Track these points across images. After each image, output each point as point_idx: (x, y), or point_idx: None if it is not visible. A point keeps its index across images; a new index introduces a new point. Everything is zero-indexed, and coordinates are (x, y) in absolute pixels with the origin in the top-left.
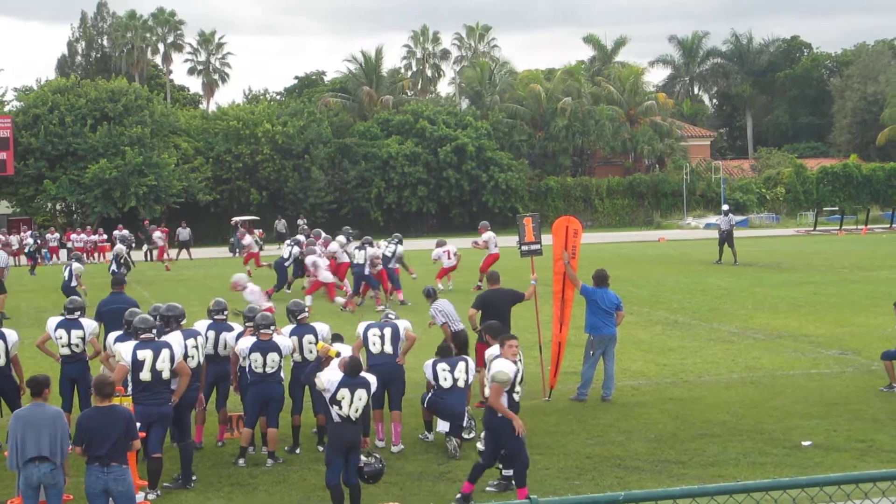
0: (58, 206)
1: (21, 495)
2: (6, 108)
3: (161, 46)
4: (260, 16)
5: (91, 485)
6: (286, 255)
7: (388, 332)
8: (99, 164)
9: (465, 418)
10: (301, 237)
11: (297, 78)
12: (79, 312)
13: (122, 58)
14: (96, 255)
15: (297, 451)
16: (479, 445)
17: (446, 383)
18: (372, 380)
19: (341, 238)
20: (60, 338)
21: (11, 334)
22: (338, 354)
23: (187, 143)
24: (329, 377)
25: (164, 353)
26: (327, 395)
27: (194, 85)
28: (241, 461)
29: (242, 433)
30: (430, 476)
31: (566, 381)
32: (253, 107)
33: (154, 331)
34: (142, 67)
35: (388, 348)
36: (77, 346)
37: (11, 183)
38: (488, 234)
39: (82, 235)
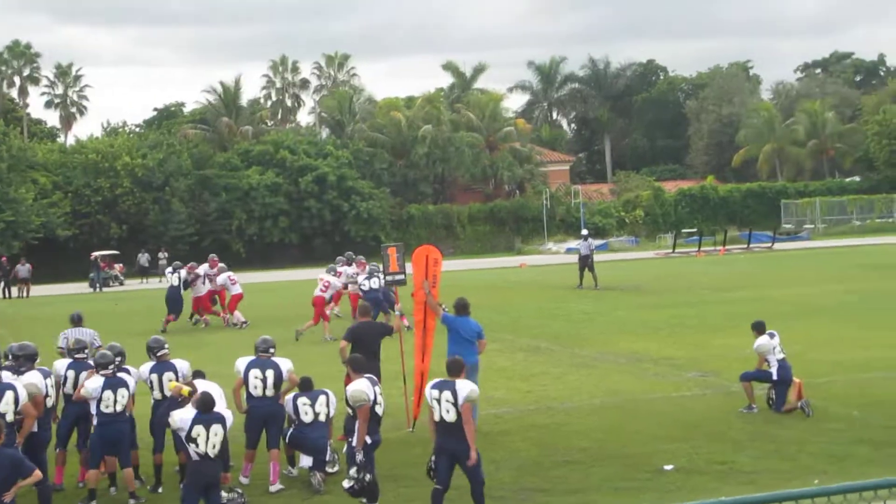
0: None
1: None
2: None
3: (17, 79)
4: (118, 47)
5: None
6: (175, 283)
7: (270, 374)
8: None
9: (328, 452)
10: (201, 265)
11: (156, 109)
12: None
13: None
14: None
15: (160, 490)
16: (345, 483)
17: (307, 417)
18: (228, 414)
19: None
20: None
21: None
22: (190, 393)
23: (45, 178)
24: (182, 415)
25: (8, 394)
26: (182, 434)
27: (52, 118)
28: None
29: (90, 475)
30: None
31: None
32: (112, 140)
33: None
34: None
35: (270, 392)
36: None
37: None
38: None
39: None
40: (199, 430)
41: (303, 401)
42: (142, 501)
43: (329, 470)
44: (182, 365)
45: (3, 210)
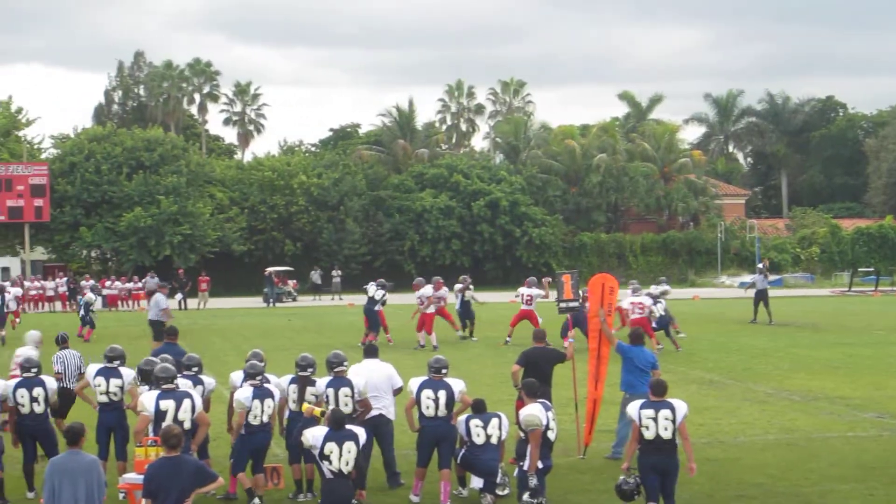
0: (93, 254)
1: None
2: (43, 156)
3: (197, 97)
4: (293, 68)
5: None
6: (377, 298)
7: (442, 394)
8: (134, 213)
9: (500, 475)
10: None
11: (331, 130)
12: (118, 361)
13: (159, 107)
14: (130, 302)
15: (301, 497)
16: None
17: (479, 439)
18: (360, 432)
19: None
20: (99, 385)
21: (52, 382)
22: (322, 413)
23: (222, 193)
24: (314, 433)
25: (186, 403)
26: (315, 452)
27: (229, 135)
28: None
29: (243, 478)
30: None
31: (601, 439)
32: (288, 158)
33: (175, 381)
34: (178, 117)
35: (442, 412)
36: (115, 394)
37: (47, 230)
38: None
39: (117, 283)
40: (331, 447)
41: (475, 422)
42: None
43: (500, 493)
44: (358, 382)
45: (182, 223)
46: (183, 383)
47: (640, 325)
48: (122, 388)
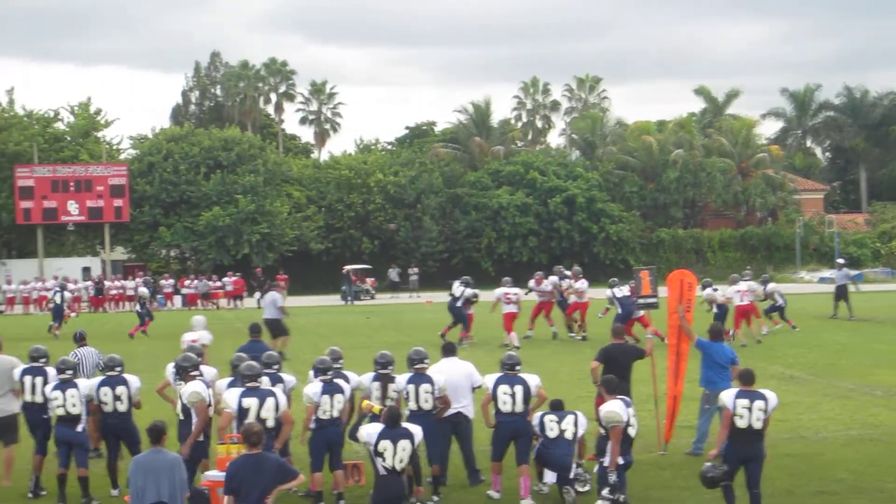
0: (172, 253)
1: None
2: (122, 157)
3: (273, 96)
4: (368, 66)
5: None
6: (458, 295)
7: (518, 390)
8: (212, 212)
9: (579, 470)
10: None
11: (407, 128)
12: (199, 359)
13: (235, 107)
14: (209, 301)
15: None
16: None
17: (552, 433)
18: (416, 430)
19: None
20: (180, 385)
21: (134, 380)
22: (381, 411)
23: (300, 192)
24: (369, 430)
25: (269, 401)
26: (370, 448)
27: (306, 134)
28: None
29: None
30: None
31: (682, 435)
32: (365, 156)
33: (260, 379)
34: (254, 117)
35: (519, 408)
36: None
37: (127, 230)
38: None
39: (196, 282)
40: (385, 444)
41: (550, 417)
42: None
43: (579, 489)
44: (439, 379)
45: (260, 222)
46: (265, 381)
47: (749, 311)
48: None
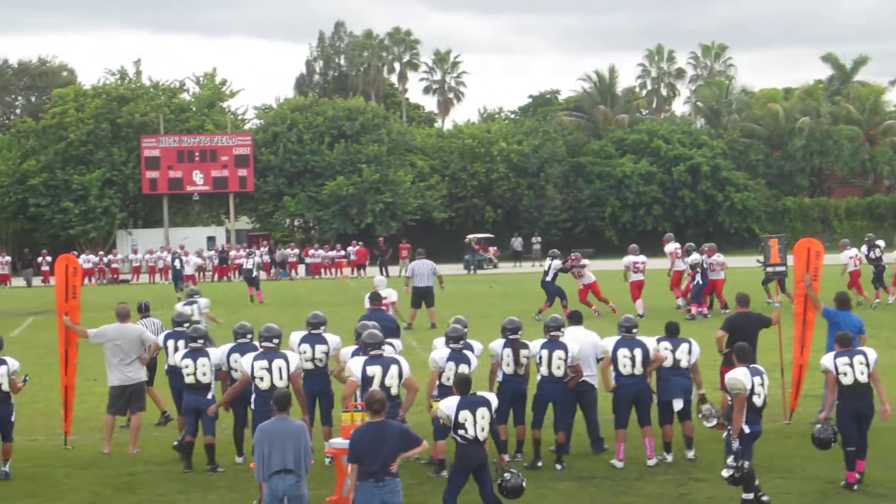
0: (296, 223)
1: None
2: (246, 127)
3: (397, 65)
4: (491, 34)
5: (365, 500)
6: (547, 269)
7: (638, 352)
8: (336, 181)
9: (702, 407)
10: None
11: (530, 96)
12: (322, 327)
13: (359, 77)
14: (333, 270)
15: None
16: (724, 472)
17: (667, 362)
18: (491, 397)
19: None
20: (304, 352)
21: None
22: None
23: (423, 161)
24: (447, 404)
25: (393, 368)
26: (450, 424)
27: (429, 103)
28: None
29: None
30: (668, 497)
31: (807, 404)
32: (488, 125)
33: (382, 347)
34: (378, 86)
35: (639, 370)
36: (320, 360)
37: (252, 199)
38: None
39: (320, 251)
40: (465, 415)
41: (665, 345)
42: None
43: (706, 424)
44: (573, 347)
45: (383, 191)
46: (388, 350)
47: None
48: (327, 353)
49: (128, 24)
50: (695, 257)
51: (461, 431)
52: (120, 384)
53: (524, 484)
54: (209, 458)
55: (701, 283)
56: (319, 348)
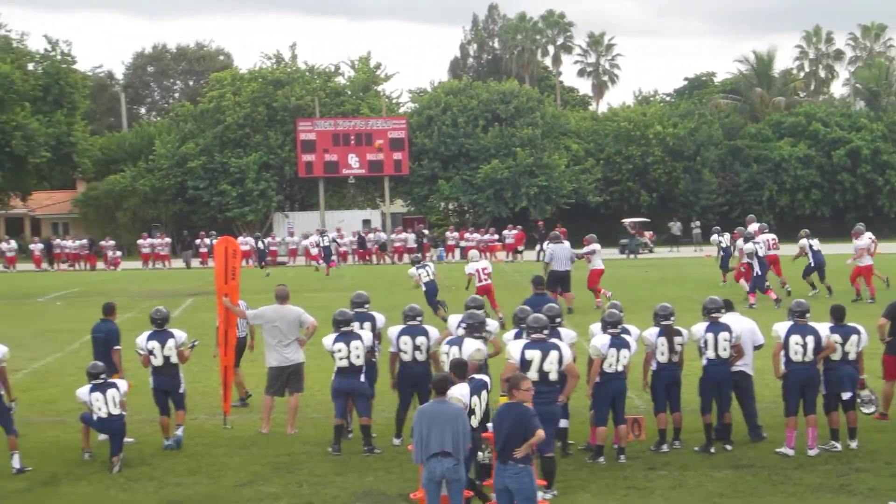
0: (450, 206)
1: (424, 489)
2: (401, 110)
3: (551, 48)
4: (645, 17)
5: (495, 480)
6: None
7: (810, 340)
8: (491, 165)
9: (867, 392)
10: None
11: (686, 79)
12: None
13: (513, 60)
14: (487, 254)
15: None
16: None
17: (836, 355)
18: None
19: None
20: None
21: (434, 332)
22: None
23: (577, 145)
24: (461, 390)
25: (553, 354)
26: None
27: (584, 86)
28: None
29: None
30: (828, 488)
31: None
32: (644, 108)
33: (546, 331)
34: (532, 69)
35: (809, 356)
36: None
37: (406, 182)
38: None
39: (475, 235)
40: (475, 400)
41: (835, 338)
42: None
43: (866, 411)
44: (736, 328)
45: (538, 175)
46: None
47: None
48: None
49: (283, 8)
50: (749, 246)
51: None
52: (278, 365)
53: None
54: (365, 439)
55: (759, 272)
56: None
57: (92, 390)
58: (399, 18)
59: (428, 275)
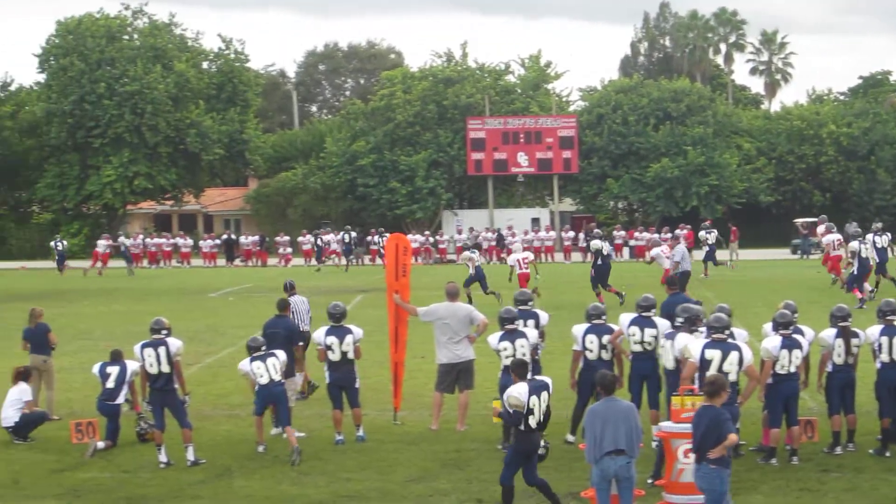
0: (619, 205)
1: (595, 487)
2: (571, 108)
3: (723, 46)
4: (820, 15)
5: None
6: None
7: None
8: (661, 164)
9: None
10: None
11: (860, 77)
12: (655, 310)
13: (684, 58)
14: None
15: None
16: None
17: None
18: (548, 380)
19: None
20: (633, 335)
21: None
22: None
23: (749, 144)
24: (519, 390)
25: (733, 355)
26: (523, 411)
27: (756, 85)
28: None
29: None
30: None
31: None
32: (817, 107)
33: (727, 331)
34: (703, 68)
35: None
36: (649, 343)
37: (576, 181)
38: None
39: (645, 234)
40: (534, 400)
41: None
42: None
43: None
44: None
45: (708, 174)
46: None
47: None
48: (655, 337)
49: (454, 6)
50: (853, 245)
51: (531, 417)
52: (448, 362)
53: None
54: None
55: (857, 272)
56: (649, 332)
57: (252, 360)
58: (571, 17)
59: (477, 260)
